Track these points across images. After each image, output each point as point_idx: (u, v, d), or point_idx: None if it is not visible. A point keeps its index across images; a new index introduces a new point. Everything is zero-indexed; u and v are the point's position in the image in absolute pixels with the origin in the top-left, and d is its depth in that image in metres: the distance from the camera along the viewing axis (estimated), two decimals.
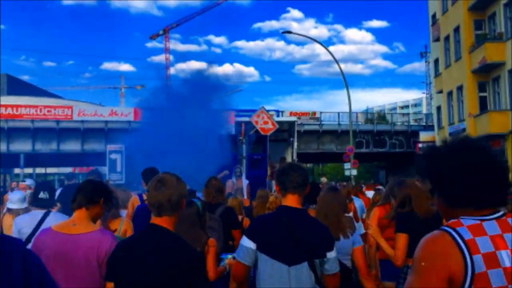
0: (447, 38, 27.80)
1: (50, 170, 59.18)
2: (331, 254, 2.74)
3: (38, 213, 4.10)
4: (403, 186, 4.12)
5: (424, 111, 40.51)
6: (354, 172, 24.11)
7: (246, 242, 2.79)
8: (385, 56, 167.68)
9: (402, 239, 3.63)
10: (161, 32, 60.97)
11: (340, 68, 26.16)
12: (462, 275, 1.48)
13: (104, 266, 2.64)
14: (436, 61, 31.99)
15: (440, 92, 29.22)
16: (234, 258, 3.00)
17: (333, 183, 25.51)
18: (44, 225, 3.91)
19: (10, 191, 8.49)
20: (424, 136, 33.27)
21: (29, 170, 58.17)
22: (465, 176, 1.61)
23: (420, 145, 32.47)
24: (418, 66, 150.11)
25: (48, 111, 30.50)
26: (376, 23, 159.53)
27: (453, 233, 1.53)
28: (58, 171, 55.35)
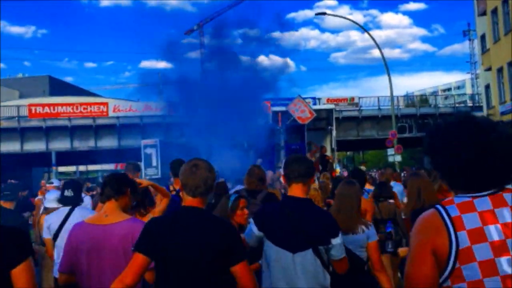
0: (494, 11, 25.88)
1: (92, 167, 60.06)
2: (336, 241, 2.81)
3: (64, 209, 4.35)
4: (414, 177, 4.18)
5: (468, 93, 38.07)
6: (398, 158, 22.76)
7: (254, 229, 2.95)
8: (424, 39, 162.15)
9: None
10: (195, 27, 60.67)
11: (381, 52, 24.72)
12: (447, 250, 1.52)
13: None
14: (483, 37, 30.01)
15: (489, 69, 27.34)
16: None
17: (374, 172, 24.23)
18: (70, 221, 4.14)
19: (42, 193, 8.39)
20: None
21: (72, 168, 59.53)
22: (455, 156, 1.62)
23: None
24: (459, 47, 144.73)
25: (84, 108, 30.61)
26: (413, 6, 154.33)
27: (442, 210, 1.58)
28: (101, 168, 56.16)
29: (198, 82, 17.89)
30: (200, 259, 2.37)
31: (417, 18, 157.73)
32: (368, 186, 7.41)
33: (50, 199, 5.22)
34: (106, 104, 31.68)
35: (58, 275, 3.09)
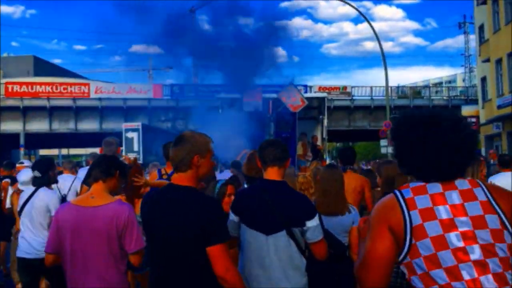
0: (495, 0, 24.84)
1: (75, 151, 58.63)
2: (311, 223, 2.79)
3: (30, 189, 4.44)
4: (389, 165, 4.13)
5: (459, 88, 37.45)
6: (392, 149, 21.81)
7: (231, 216, 2.94)
8: (416, 33, 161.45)
9: None
10: (188, 12, 59.43)
11: (379, 42, 23.68)
12: (402, 227, 1.65)
13: (123, 236, 2.84)
14: (481, 28, 29.02)
15: (487, 61, 26.35)
16: None
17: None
18: (31, 202, 4.30)
19: (13, 173, 7.92)
20: (467, 110, 30.51)
21: (54, 152, 57.98)
22: (409, 148, 1.74)
23: None
24: (451, 42, 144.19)
25: (64, 88, 29.21)
26: None
27: (397, 193, 1.72)
28: (85, 152, 54.90)
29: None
30: (180, 237, 2.31)
31: (410, 11, 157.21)
32: None
33: (21, 179, 5.38)
34: (87, 85, 30.27)
35: (45, 256, 3.03)
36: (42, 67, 51.16)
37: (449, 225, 1.60)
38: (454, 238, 1.59)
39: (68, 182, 5.94)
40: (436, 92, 38.85)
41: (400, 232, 1.64)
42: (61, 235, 2.88)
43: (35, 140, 30.88)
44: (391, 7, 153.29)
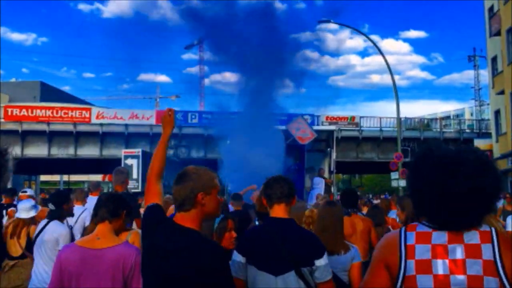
0: (510, 30, 24.16)
1: (77, 177, 57.84)
2: (320, 262, 2.73)
3: (43, 222, 4.50)
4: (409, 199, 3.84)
5: (460, 125, 36.55)
6: (403, 182, 20.60)
7: (237, 257, 2.83)
8: (423, 67, 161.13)
9: None
10: (195, 42, 60.10)
11: (391, 74, 22.97)
12: (396, 272, 1.62)
13: (130, 279, 2.75)
14: (494, 59, 28.27)
15: (501, 93, 25.48)
16: None
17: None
18: (41, 235, 4.33)
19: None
20: (479, 144, 29.44)
21: (56, 177, 57.13)
22: (425, 189, 1.65)
23: None
24: (457, 76, 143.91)
25: (64, 113, 28.43)
26: (413, 33, 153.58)
27: (402, 235, 1.66)
28: (88, 178, 54.07)
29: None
30: (179, 285, 2.09)
31: (417, 45, 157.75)
32: (364, 210, 7.60)
33: (21, 208, 5.20)
34: (89, 109, 29.52)
35: None
36: (49, 93, 50.94)
37: (442, 282, 1.55)
38: None
39: (77, 213, 5.87)
40: (445, 125, 37.85)
41: (394, 274, 1.63)
42: (64, 276, 2.80)
43: (33, 166, 29.95)
44: (397, 41, 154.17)
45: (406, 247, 1.62)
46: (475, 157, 1.61)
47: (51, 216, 4.43)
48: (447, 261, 1.57)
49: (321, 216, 3.77)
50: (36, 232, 4.44)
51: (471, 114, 53.22)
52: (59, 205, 4.47)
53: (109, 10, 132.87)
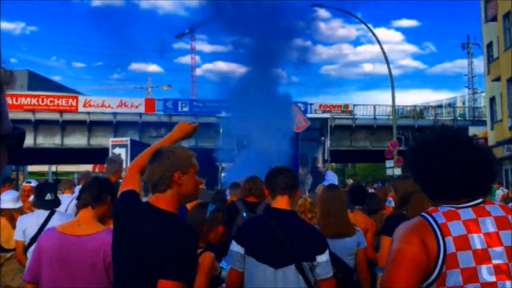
0: (507, 16, 23.67)
1: (66, 167, 56.99)
2: (321, 258, 2.68)
3: (43, 212, 4.20)
4: (406, 180, 3.86)
5: (459, 111, 36.14)
6: (398, 171, 20.13)
7: (235, 247, 2.79)
8: (415, 56, 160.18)
9: (386, 242, 3.49)
10: (187, 31, 59.39)
11: (388, 64, 22.47)
12: (435, 254, 1.55)
13: (111, 268, 2.48)
14: (489, 46, 27.81)
15: (497, 79, 25.04)
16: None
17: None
18: (49, 225, 3.96)
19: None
20: (474, 131, 29.07)
21: (44, 168, 56.20)
22: (431, 169, 1.69)
23: None
24: (449, 66, 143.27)
25: (50, 101, 27.61)
26: (405, 22, 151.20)
27: (428, 217, 1.62)
28: (77, 169, 53.27)
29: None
30: (135, 264, 1.97)
31: (409, 34, 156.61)
32: None
33: (5, 199, 5.04)
34: (75, 98, 28.73)
35: (24, 285, 2.82)
36: (37, 82, 49.92)
37: (482, 257, 1.54)
38: (485, 272, 1.52)
39: (66, 202, 5.68)
40: (436, 115, 37.48)
41: (433, 257, 1.55)
42: (41, 262, 2.68)
43: (18, 155, 29.18)
44: (389, 30, 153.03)
45: (439, 226, 1.58)
46: (467, 135, 1.78)
47: (48, 205, 4.25)
48: (481, 234, 1.56)
49: (324, 201, 3.72)
50: (36, 225, 4.15)
51: (463, 103, 52.87)
52: (56, 195, 4.40)
53: None
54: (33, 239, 4.03)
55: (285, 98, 16.38)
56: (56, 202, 4.35)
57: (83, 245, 2.68)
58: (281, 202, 2.81)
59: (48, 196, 4.29)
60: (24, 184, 7.87)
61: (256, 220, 3.10)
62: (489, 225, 1.58)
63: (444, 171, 1.64)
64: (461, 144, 1.67)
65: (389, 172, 21.11)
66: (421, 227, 1.59)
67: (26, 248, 4.18)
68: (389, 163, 21.14)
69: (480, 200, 1.65)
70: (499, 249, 1.54)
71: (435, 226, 1.57)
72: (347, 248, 3.52)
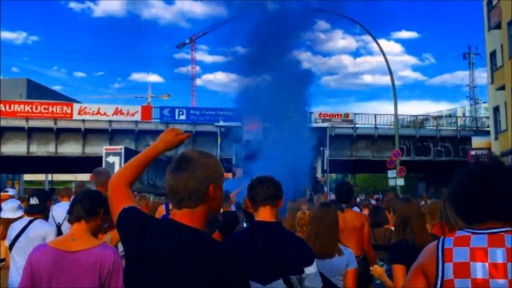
0: (511, 23, 23.15)
1: (64, 177, 56.41)
2: (309, 270, 2.61)
3: (25, 220, 4.31)
4: (407, 204, 3.78)
5: (460, 121, 35.54)
6: (401, 181, 19.52)
7: None
8: (415, 68, 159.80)
9: (399, 271, 3.38)
10: (187, 41, 59.30)
11: (391, 74, 22.02)
12: (434, 277, 1.58)
13: (107, 284, 2.60)
14: (493, 54, 27.32)
15: (501, 88, 24.49)
16: None
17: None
18: (26, 232, 4.14)
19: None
20: (477, 142, 28.55)
21: (41, 177, 55.51)
22: (457, 193, 1.74)
23: (473, 152, 27.69)
24: (448, 78, 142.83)
25: (44, 108, 27.02)
26: (405, 34, 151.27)
27: (440, 241, 1.64)
28: (75, 178, 52.62)
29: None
30: None
31: (408, 46, 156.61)
32: (365, 211, 7.70)
33: (5, 209, 5.05)
34: (70, 105, 28.13)
35: None
36: (37, 91, 49.32)
37: (481, 287, 1.50)
38: None
39: (65, 210, 5.18)
40: (437, 126, 36.81)
41: (432, 282, 1.59)
42: (35, 279, 2.57)
43: (12, 164, 28.51)
44: (389, 42, 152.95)
45: (443, 251, 1.59)
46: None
47: (32, 210, 4.29)
48: (486, 264, 1.51)
49: (316, 219, 3.65)
50: (18, 230, 4.21)
51: (463, 114, 52.31)
52: (43, 200, 4.36)
53: (100, 9, 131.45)
54: (11, 245, 4.20)
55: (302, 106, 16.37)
56: (39, 208, 4.34)
57: (78, 261, 2.61)
58: (264, 214, 2.70)
59: (32, 201, 4.35)
60: (1, 193, 7.48)
61: (240, 235, 2.96)
62: (499, 256, 1.52)
63: (470, 192, 1.66)
64: (492, 169, 1.71)
65: (391, 182, 20.49)
66: (428, 251, 1.64)
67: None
68: (391, 173, 20.52)
69: (504, 229, 1.59)
70: (502, 281, 1.48)
71: (440, 251, 1.59)
72: (335, 267, 3.45)
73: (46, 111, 26.88)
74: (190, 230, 1.68)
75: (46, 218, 4.53)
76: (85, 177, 41.12)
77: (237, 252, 1.78)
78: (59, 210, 5.68)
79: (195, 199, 1.72)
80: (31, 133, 26.96)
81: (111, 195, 1.99)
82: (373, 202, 16.09)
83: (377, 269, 3.59)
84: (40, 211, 4.34)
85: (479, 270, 1.50)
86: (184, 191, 1.71)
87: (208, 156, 1.81)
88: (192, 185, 1.71)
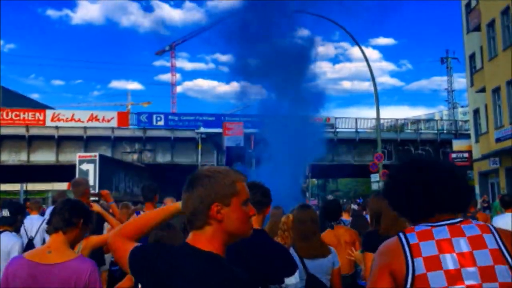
0: (491, 24, 23.15)
1: (42, 186, 54.79)
2: (290, 280, 2.56)
3: None
4: (379, 198, 3.83)
5: (437, 126, 35.63)
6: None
7: None
8: (392, 74, 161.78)
9: (369, 259, 3.50)
10: (167, 48, 58.52)
11: (373, 79, 21.84)
12: (403, 275, 1.56)
13: None
14: (472, 57, 27.35)
15: (481, 90, 24.44)
16: None
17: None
18: None
19: None
20: (458, 145, 28.53)
21: (16, 187, 53.82)
22: (398, 196, 1.75)
23: (453, 155, 27.61)
24: (425, 83, 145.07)
25: (16, 115, 25.98)
26: (383, 41, 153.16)
27: (402, 237, 1.63)
28: (52, 187, 51.12)
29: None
30: None
31: (386, 53, 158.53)
32: (346, 217, 7.56)
33: None
34: (43, 111, 27.14)
35: None
36: (12, 99, 47.82)
37: (455, 277, 1.52)
38: None
39: (36, 223, 5.76)
40: (415, 130, 36.73)
41: (401, 280, 1.56)
42: None
43: None
44: (367, 48, 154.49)
45: (410, 246, 1.58)
46: (448, 163, 1.86)
47: (3, 223, 4.19)
48: (454, 254, 1.54)
49: (298, 221, 3.66)
50: None
51: (441, 119, 52.79)
52: (14, 213, 4.28)
53: (78, 17, 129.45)
54: None
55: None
56: (9, 220, 4.26)
57: (53, 275, 2.54)
58: None
59: (4, 212, 4.28)
60: None
61: None
62: (463, 245, 1.56)
63: (418, 190, 1.67)
64: (434, 164, 1.75)
65: (374, 186, 20.14)
66: (392, 250, 1.61)
67: None
68: (374, 177, 20.17)
69: (458, 219, 1.65)
70: (472, 269, 1.51)
71: (406, 247, 1.58)
72: (323, 268, 3.51)
73: (18, 118, 25.90)
74: (200, 252, 1.60)
75: (17, 230, 4.47)
76: (62, 186, 39.97)
77: (250, 282, 1.69)
78: (31, 223, 5.72)
79: (198, 220, 1.64)
80: (1, 141, 25.92)
81: (116, 245, 1.81)
82: (354, 206, 15.81)
83: (357, 255, 3.80)
84: (10, 224, 4.27)
85: (450, 261, 1.52)
86: (187, 211, 1.68)
87: (219, 173, 1.68)
88: (191, 204, 1.65)
